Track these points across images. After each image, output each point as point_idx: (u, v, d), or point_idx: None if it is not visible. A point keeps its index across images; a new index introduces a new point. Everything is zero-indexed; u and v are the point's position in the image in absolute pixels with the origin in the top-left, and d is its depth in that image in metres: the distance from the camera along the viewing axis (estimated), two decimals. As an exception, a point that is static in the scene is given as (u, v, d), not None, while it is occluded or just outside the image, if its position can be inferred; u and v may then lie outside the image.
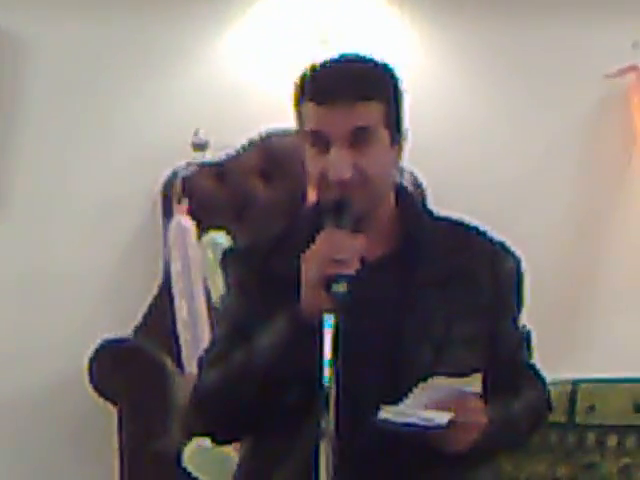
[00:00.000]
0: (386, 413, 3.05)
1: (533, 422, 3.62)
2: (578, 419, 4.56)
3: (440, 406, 3.15)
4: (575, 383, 4.42)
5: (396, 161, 3.42)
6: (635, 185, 5.31)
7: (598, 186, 5.37)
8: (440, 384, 3.15)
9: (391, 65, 3.39)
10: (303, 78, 3.38)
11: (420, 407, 3.13)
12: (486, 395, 3.25)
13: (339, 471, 3.00)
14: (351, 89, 3.32)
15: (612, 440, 4.61)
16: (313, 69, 3.38)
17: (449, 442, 3.15)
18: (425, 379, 3.14)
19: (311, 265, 3.10)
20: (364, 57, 3.43)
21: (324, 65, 3.46)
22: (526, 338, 3.57)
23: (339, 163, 3.20)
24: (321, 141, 3.23)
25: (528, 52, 5.38)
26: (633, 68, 5.30)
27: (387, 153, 3.30)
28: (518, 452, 4.18)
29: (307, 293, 3.11)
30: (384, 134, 3.31)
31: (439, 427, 3.11)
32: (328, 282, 3.05)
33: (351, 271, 3.07)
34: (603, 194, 5.39)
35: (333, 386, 3.01)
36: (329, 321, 3.04)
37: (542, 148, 5.34)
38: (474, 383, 3.14)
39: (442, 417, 3.14)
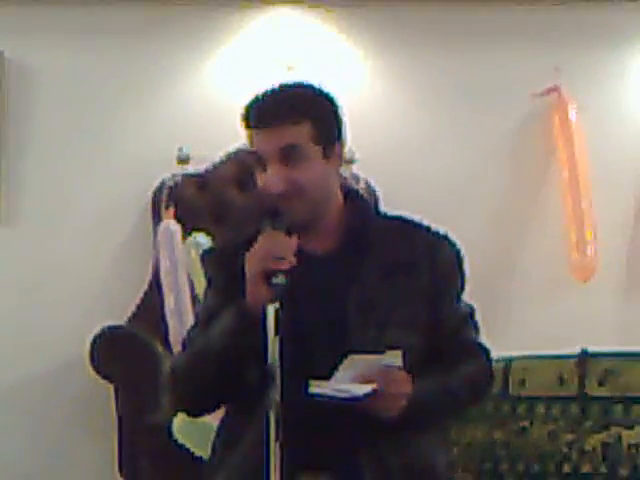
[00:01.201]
0: (314, 388, 3.13)
1: (473, 393, 3.63)
2: (511, 391, 4.60)
3: (365, 380, 3.25)
4: (508, 360, 4.50)
5: (332, 171, 3.49)
6: (553, 189, 5.43)
7: (522, 190, 5.48)
8: (362, 360, 3.24)
9: (324, 89, 3.46)
10: (245, 108, 3.61)
11: (346, 381, 3.20)
12: (421, 368, 3.39)
13: (289, 439, 3.14)
14: (279, 114, 3.46)
15: (540, 409, 4.68)
16: (253, 100, 3.62)
17: (379, 409, 3.21)
18: (345, 357, 3.25)
19: (252, 262, 3.21)
20: (299, 84, 3.59)
21: (262, 95, 3.64)
22: (470, 315, 3.60)
23: (273, 178, 3.31)
24: (261, 160, 3.45)
25: (465, 76, 5.47)
26: (555, 89, 5.39)
27: (320, 166, 3.39)
28: (460, 420, 4.22)
29: (250, 286, 3.21)
30: (315, 150, 3.42)
31: (359, 398, 3.19)
32: (268, 276, 3.18)
33: (287, 266, 3.19)
34: (526, 197, 5.50)
35: (277, 358, 3.14)
36: (272, 309, 3.15)
37: (476, 158, 5.43)
38: (395, 359, 3.23)
39: (364, 389, 3.28)
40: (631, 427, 4.60)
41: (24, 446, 5.24)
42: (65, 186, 5.41)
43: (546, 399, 4.68)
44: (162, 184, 5.26)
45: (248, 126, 3.43)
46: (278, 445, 3.14)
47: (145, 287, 5.20)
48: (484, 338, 3.58)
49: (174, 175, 5.24)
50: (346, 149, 3.61)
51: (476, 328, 3.65)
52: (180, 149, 5.19)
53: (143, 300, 5.20)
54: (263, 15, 5.48)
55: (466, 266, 3.53)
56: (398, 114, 5.47)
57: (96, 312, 5.12)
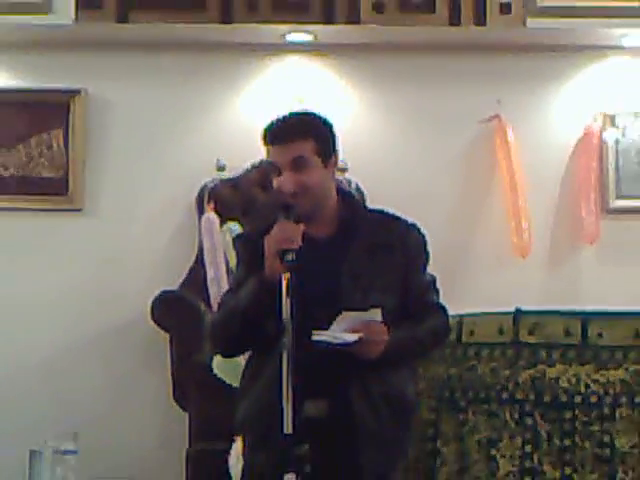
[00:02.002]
0: (316, 336, 3.29)
1: (435, 340, 3.77)
2: (463, 339, 4.63)
3: (353, 330, 3.37)
4: (461, 316, 4.51)
5: (329, 176, 3.63)
6: (497, 191, 5.48)
7: (474, 191, 5.52)
8: (351, 316, 3.38)
9: (323, 116, 3.69)
10: (264, 130, 3.72)
11: (339, 332, 3.36)
12: (396, 322, 3.51)
13: (297, 374, 3.24)
14: (289, 134, 3.62)
15: (485, 352, 4.72)
16: (270, 123, 3.70)
17: (364, 353, 3.40)
18: (339, 314, 3.40)
19: (270, 244, 3.35)
20: (305, 112, 3.85)
21: (276, 119, 3.77)
22: (432, 283, 3.73)
23: (285, 181, 3.45)
24: (276, 168, 3.54)
25: (430, 107, 5.50)
26: (496, 116, 5.42)
27: (320, 172, 3.52)
28: (424, 360, 4.25)
29: (268, 262, 3.36)
30: (317, 160, 3.56)
31: (349, 344, 3.35)
32: (282, 254, 3.33)
33: (296, 247, 3.35)
34: (477, 196, 5.54)
35: (288, 315, 3.27)
36: (284, 278, 3.29)
37: (438, 167, 5.47)
38: (376, 315, 3.41)
39: (352, 337, 3.43)
40: (553, 365, 4.66)
41: (104, 376, 5.31)
42: (134, 187, 5.47)
43: (489, 345, 4.69)
44: (204, 186, 5.30)
45: (266, 143, 3.57)
46: (289, 378, 3.27)
47: (192, 262, 5.25)
48: (443, 300, 3.74)
49: (213, 179, 5.30)
50: (340, 159, 3.78)
51: (437, 292, 3.78)
52: (218, 160, 5.26)
53: (190, 272, 5.25)
54: (280, 61, 5.52)
55: (430, 247, 3.68)
56: (379, 135, 5.51)
57: (156, 280, 5.19)
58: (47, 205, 5.42)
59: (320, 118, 3.76)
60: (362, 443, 3.63)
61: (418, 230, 3.75)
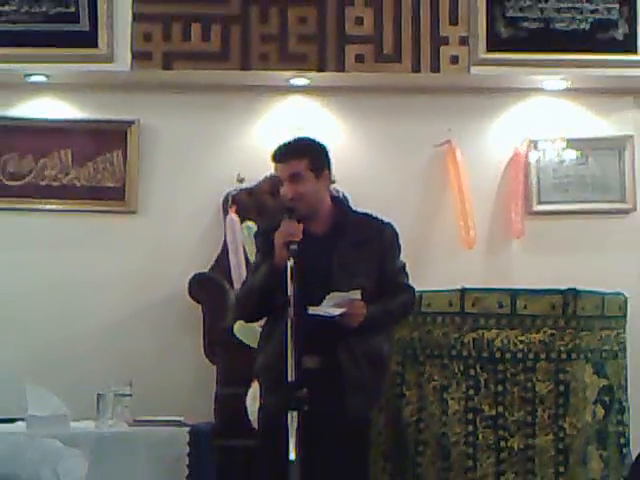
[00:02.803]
0: (311, 310, 3.38)
1: (404, 312, 3.86)
2: (423, 309, 4.69)
3: (339, 306, 3.45)
4: (422, 292, 4.44)
5: (322, 187, 3.68)
6: (449, 198, 5.46)
7: (431, 199, 5.51)
8: (338, 295, 3.48)
9: (318, 140, 3.75)
10: (273, 152, 3.77)
11: (328, 307, 3.45)
12: (372, 299, 3.61)
13: (298, 337, 3.30)
14: (287, 155, 3.68)
15: (439, 319, 4.70)
16: (276, 147, 3.75)
17: (347, 323, 3.51)
18: (330, 292, 3.50)
19: (278, 238, 3.44)
20: (303, 137, 3.83)
21: (281, 144, 3.83)
22: (403, 268, 3.81)
23: (286, 191, 3.56)
24: (280, 181, 3.60)
25: (398, 135, 5.47)
26: (448, 142, 5.42)
27: (313, 183, 3.60)
28: (395, 326, 4.11)
29: (276, 251, 3.44)
30: (310, 174, 3.63)
31: (335, 317, 3.44)
32: (287, 245, 3.39)
33: (297, 239, 3.42)
34: (434, 203, 5.53)
35: (292, 294, 3.33)
36: (289, 264, 3.37)
37: (404, 180, 5.46)
38: (356, 295, 3.49)
39: (338, 311, 3.49)
40: (489, 330, 4.72)
41: (152, 338, 5.33)
42: (175, 194, 5.45)
43: (442, 314, 4.74)
44: (228, 194, 5.29)
45: (274, 161, 3.66)
46: (293, 340, 3.34)
47: (219, 251, 5.24)
48: (411, 281, 3.82)
49: (235, 189, 5.29)
50: (332, 174, 3.84)
51: (407, 275, 3.87)
52: (238, 174, 5.27)
53: (217, 259, 5.24)
54: (285, 100, 5.52)
55: (401, 240, 3.74)
56: (360, 155, 5.48)
57: (191, 265, 5.17)
58: (109, 208, 5.39)
59: (314, 142, 3.84)
60: (347, 389, 3.70)
61: (392, 227, 3.82)
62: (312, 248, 3.57)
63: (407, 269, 3.87)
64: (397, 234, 3.84)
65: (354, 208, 4.18)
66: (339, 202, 3.95)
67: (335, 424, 3.65)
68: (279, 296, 3.44)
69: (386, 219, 3.85)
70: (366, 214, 3.94)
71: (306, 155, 3.69)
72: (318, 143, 3.81)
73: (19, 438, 1.55)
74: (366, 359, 3.72)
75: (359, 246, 3.73)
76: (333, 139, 5.11)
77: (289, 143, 3.78)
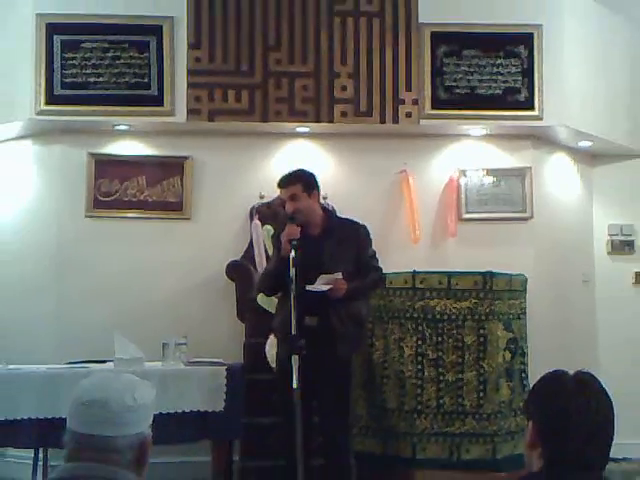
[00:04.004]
0: (308, 287, 3.41)
1: (374, 286, 3.93)
2: (387, 285, 4.61)
3: (328, 283, 3.53)
4: (386, 274, 4.29)
5: (314, 202, 3.72)
6: (403, 210, 5.39)
7: (391, 210, 5.44)
8: (326, 276, 3.51)
9: (308, 170, 3.80)
10: (279, 180, 3.80)
11: (319, 284, 3.49)
12: (351, 278, 3.67)
13: (300, 304, 3.40)
14: (287, 182, 3.76)
15: (397, 292, 4.65)
16: (281, 177, 3.84)
17: (333, 295, 3.54)
18: (320, 274, 3.54)
19: (284, 236, 3.49)
20: (300, 169, 3.84)
21: (285, 174, 3.86)
22: (373, 255, 3.83)
23: (288, 206, 3.61)
24: (283, 200, 3.70)
25: (370, 165, 5.42)
26: (404, 171, 5.37)
27: (306, 201, 3.65)
28: (369, 296, 4.09)
29: (283, 246, 3.49)
30: (303, 194, 3.68)
31: (325, 291, 3.47)
32: (290, 242, 3.44)
33: (297, 237, 3.46)
34: (392, 213, 5.44)
35: (293, 276, 3.40)
36: (292, 255, 3.44)
37: (373, 198, 5.38)
38: (338, 276, 3.50)
39: (326, 287, 3.53)
40: (432, 299, 4.71)
41: (200, 305, 5.20)
42: (217, 207, 5.37)
43: (400, 289, 4.73)
44: (253, 206, 5.23)
45: (278, 187, 3.71)
46: (296, 306, 3.42)
47: (247, 245, 5.17)
48: (381, 264, 3.87)
49: (258, 203, 5.24)
50: (323, 193, 3.84)
51: (377, 260, 3.93)
52: (260, 193, 5.20)
53: (246, 251, 5.16)
54: (292, 142, 5.45)
55: (372, 237, 3.82)
56: (343, 180, 5.40)
57: (228, 255, 5.11)
58: (171, 216, 5.34)
59: (305, 171, 3.89)
60: (335, 340, 3.75)
61: (364, 227, 3.91)
62: (309, 244, 3.64)
63: (377, 256, 3.91)
64: (368, 232, 3.90)
65: (339, 215, 4.24)
66: (328, 212, 4.01)
67: (327, 363, 3.72)
68: (285, 277, 3.48)
69: (361, 222, 3.90)
70: (347, 219, 3.99)
71: (299, 181, 3.76)
72: (308, 172, 3.87)
73: (108, 373, 1.54)
74: (349, 319, 3.78)
75: (342, 241, 3.79)
76: (325, 169, 5.25)
77: (288, 174, 3.84)
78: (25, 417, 3.87)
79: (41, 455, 4.31)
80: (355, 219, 3.90)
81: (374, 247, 3.89)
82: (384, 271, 4.02)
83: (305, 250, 3.51)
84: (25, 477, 4.50)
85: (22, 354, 4.63)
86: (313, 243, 3.64)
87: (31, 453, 4.35)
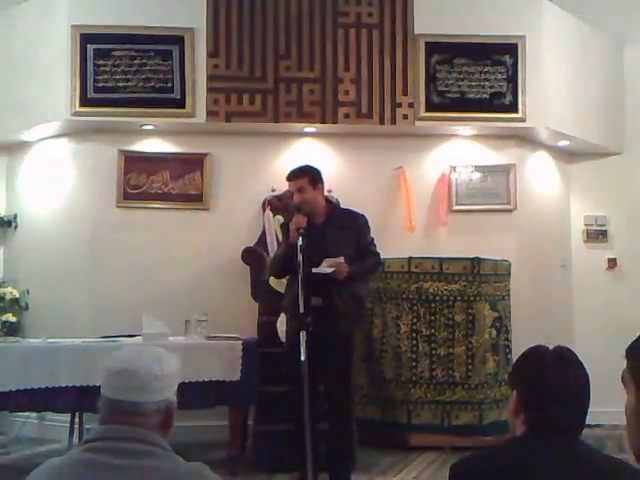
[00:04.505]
0: (314, 269, 3.41)
1: (372, 269, 3.93)
2: (385, 270, 4.67)
3: (331, 266, 3.55)
4: (385, 259, 4.43)
5: (319, 194, 3.73)
6: (401, 202, 5.33)
7: (390, 202, 5.37)
8: (330, 259, 3.51)
9: (314, 166, 3.79)
10: (288, 174, 3.80)
11: (324, 266, 3.52)
12: (352, 262, 3.68)
13: (307, 286, 3.46)
14: (295, 175, 3.77)
15: (395, 276, 4.72)
16: (290, 171, 3.84)
17: (336, 276, 3.53)
18: (325, 258, 3.53)
19: (292, 224, 3.49)
20: (307, 165, 3.84)
21: (293, 169, 3.87)
22: (372, 241, 3.81)
23: (295, 198, 3.64)
24: (292, 192, 3.70)
25: (371, 162, 5.32)
26: (400, 167, 5.33)
27: (311, 193, 3.66)
28: (368, 278, 4.12)
29: (291, 233, 3.50)
30: (309, 187, 3.70)
31: (329, 273, 3.48)
32: (297, 229, 3.50)
33: (304, 226, 3.46)
34: (391, 204, 5.38)
35: (300, 260, 3.42)
36: (299, 242, 3.45)
37: (374, 191, 5.32)
38: (340, 259, 3.50)
39: (330, 270, 3.55)
40: (426, 282, 4.73)
41: (219, 286, 5.17)
42: (234, 198, 5.33)
43: (397, 272, 4.80)
44: (265, 198, 5.19)
45: (287, 180, 3.71)
46: (303, 287, 3.43)
47: (260, 233, 5.13)
48: (379, 249, 3.85)
49: (270, 195, 5.19)
50: (328, 187, 3.83)
51: (375, 246, 3.94)
52: (272, 187, 5.15)
53: (260, 238, 5.11)
54: (301, 141, 5.41)
55: (371, 224, 3.81)
56: (347, 175, 5.35)
57: (244, 241, 5.07)
58: (192, 206, 5.31)
59: (311, 167, 3.90)
60: (338, 318, 3.76)
61: (363, 216, 3.92)
62: (314, 232, 3.65)
63: (375, 242, 3.92)
64: (367, 221, 3.93)
65: (342, 206, 4.23)
66: (331, 203, 4.00)
67: (331, 338, 3.75)
68: (294, 261, 3.48)
69: (360, 212, 3.92)
70: (348, 210, 4.01)
71: (305, 175, 3.77)
72: (314, 168, 3.89)
73: (137, 346, 1.55)
74: (350, 299, 3.80)
75: (343, 229, 3.81)
76: (330, 165, 5.22)
77: (296, 168, 3.86)
78: (63, 385, 3.92)
79: (77, 419, 4.36)
80: (355, 210, 3.91)
81: (373, 235, 3.88)
82: (383, 256, 4.01)
83: (310, 237, 3.53)
84: (63, 439, 4.54)
85: (61, 329, 4.69)
86: (317, 231, 3.65)
87: (68, 417, 4.39)
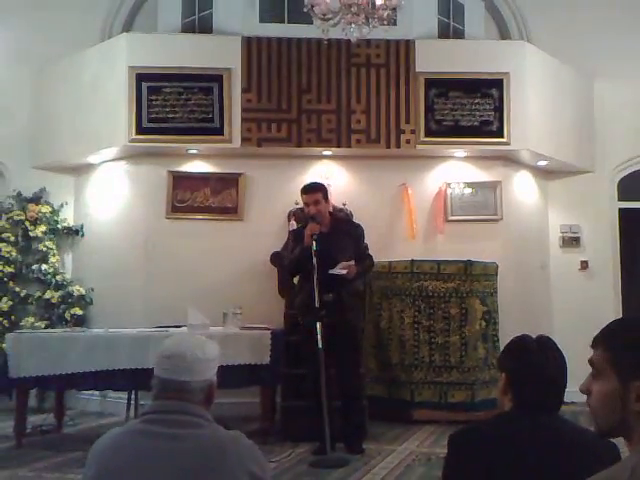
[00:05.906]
0: (330, 271, 3.40)
1: (368, 269, 3.93)
2: (392, 271, 4.67)
3: (343, 268, 3.53)
4: (390, 262, 4.49)
5: (327, 207, 3.75)
6: (404, 213, 5.23)
7: (394, 214, 5.28)
8: (341, 263, 3.49)
9: (324, 183, 3.83)
10: (302, 188, 3.78)
11: (338, 269, 3.49)
12: (356, 262, 3.66)
13: (321, 284, 3.45)
14: (311, 190, 3.73)
15: (399, 276, 4.67)
16: (304, 186, 3.81)
17: (347, 276, 3.54)
18: (332, 261, 3.56)
19: (307, 230, 3.50)
20: (316, 182, 3.91)
21: (308, 184, 3.84)
22: (366, 246, 3.83)
23: (311, 209, 3.62)
24: (306, 205, 3.67)
25: (378, 180, 5.30)
26: (404, 184, 5.27)
27: (324, 205, 3.64)
28: (364, 276, 4.25)
29: (306, 238, 3.50)
30: (322, 200, 3.68)
31: (342, 274, 3.48)
32: (311, 235, 3.50)
33: (317, 232, 3.45)
34: (395, 215, 5.29)
35: (315, 262, 3.42)
36: (314, 246, 3.45)
37: (381, 205, 5.25)
38: (351, 261, 3.49)
39: (343, 271, 3.53)
40: (426, 281, 4.68)
41: (251, 283, 5.10)
42: (264, 211, 5.29)
43: (401, 273, 4.75)
44: (290, 210, 5.15)
45: (303, 193, 3.69)
46: (317, 286, 3.40)
47: (285, 239, 4.93)
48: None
49: (294, 208, 5.12)
50: (342, 200, 3.79)
51: (368, 249, 3.94)
52: (296, 201, 4.96)
53: (285, 244, 4.88)
54: (319, 162, 5.36)
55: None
56: (358, 191, 5.29)
57: (272, 247, 5.01)
58: (228, 217, 5.29)
59: (322, 184, 3.90)
60: (346, 310, 3.75)
61: (360, 226, 3.95)
62: (322, 239, 3.66)
63: (368, 247, 3.98)
64: (363, 230, 4.00)
65: (345, 218, 4.19)
66: (335, 214, 4.06)
67: (343, 328, 3.74)
68: (308, 263, 3.53)
69: (357, 222, 3.95)
70: (347, 220, 4.06)
71: (320, 190, 3.79)
72: (323, 184, 3.91)
73: (184, 335, 1.55)
74: (354, 293, 3.83)
75: (345, 237, 3.81)
76: (344, 183, 5.21)
77: (310, 183, 3.91)
78: (121, 367, 3.98)
79: (133, 396, 4.40)
80: (353, 220, 3.96)
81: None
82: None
83: (319, 243, 3.57)
84: (121, 413, 4.59)
85: (119, 321, 4.75)
86: (324, 238, 3.68)
87: (126, 394, 4.45)
